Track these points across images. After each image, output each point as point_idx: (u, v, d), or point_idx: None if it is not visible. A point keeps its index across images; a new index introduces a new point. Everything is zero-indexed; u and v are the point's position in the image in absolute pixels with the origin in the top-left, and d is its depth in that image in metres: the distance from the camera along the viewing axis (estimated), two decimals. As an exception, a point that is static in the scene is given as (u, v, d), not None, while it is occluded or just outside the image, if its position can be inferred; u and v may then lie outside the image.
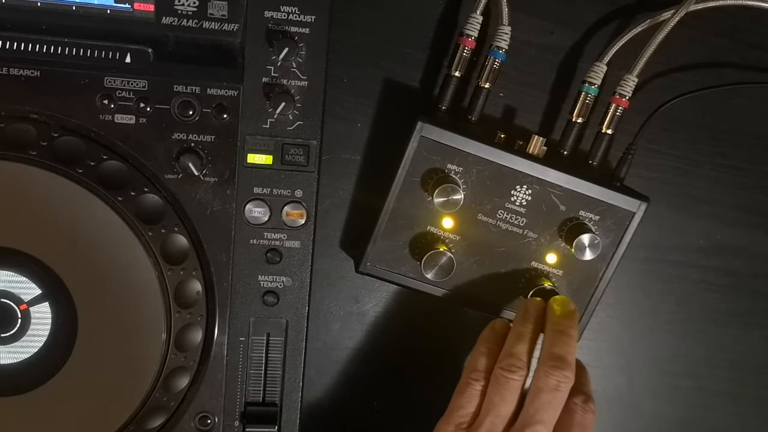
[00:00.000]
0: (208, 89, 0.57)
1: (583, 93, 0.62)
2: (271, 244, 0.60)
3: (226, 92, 0.57)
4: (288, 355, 0.61)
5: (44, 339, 0.56)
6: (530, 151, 0.61)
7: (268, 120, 0.58)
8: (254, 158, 0.58)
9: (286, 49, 0.57)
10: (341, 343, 0.69)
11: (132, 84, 0.56)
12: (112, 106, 0.56)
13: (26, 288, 0.56)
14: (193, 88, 0.57)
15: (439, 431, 0.58)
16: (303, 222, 0.60)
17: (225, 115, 0.57)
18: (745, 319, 0.71)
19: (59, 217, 0.55)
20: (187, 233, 0.58)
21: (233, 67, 0.57)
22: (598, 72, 0.62)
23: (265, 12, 0.57)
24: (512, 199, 0.61)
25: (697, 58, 0.67)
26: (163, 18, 0.56)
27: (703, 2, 0.61)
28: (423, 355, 0.69)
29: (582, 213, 0.61)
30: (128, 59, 0.56)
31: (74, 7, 0.56)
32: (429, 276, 0.61)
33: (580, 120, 0.63)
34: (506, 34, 0.61)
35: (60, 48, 0.55)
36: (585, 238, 0.60)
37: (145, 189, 0.57)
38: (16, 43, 0.55)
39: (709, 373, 0.72)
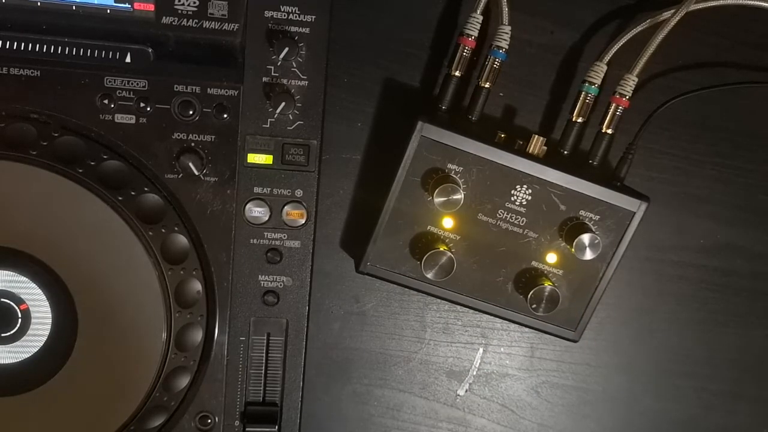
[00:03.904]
0: (208, 89, 0.57)
1: (583, 93, 0.62)
2: (272, 243, 0.60)
3: (226, 92, 0.57)
4: (288, 355, 0.61)
5: (44, 339, 0.56)
6: (530, 151, 0.61)
7: (269, 120, 0.58)
8: (254, 158, 0.58)
9: (286, 49, 0.57)
10: (341, 343, 0.69)
11: (132, 84, 0.56)
12: (113, 105, 0.56)
13: (26, 288, 0.56)
14: (194, 87, 0.57)
15: None
16: (303, 222, 0.60)
17: (225, 115, 0.57)
18: (745, 319, 0.71)
19: (59, 217, 0.55)
20: (188, 233, 0.58)
21: (233, 67, 0.57)
22: (598, 72, 0.62)
23: (266, 12, 0.57)
24: (512, 198, 0.61)
25: (697, 58, 0.67)
26: (163, 18, 0.56)
27: (703, 2, 0.61)
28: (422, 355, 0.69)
29: (582, 213, 0.61)
30: (128, 59, 0.56)
31: (74, 7, 0.56)
32: (429, 276, 0.61)
33: (580, 120, 0.63)
34: (506, 33, 0.61)
35: (60, 48, 0.55)
36: (585, 237, 0.60)
37: (146, 189, 0.57)
38: (16, 43, 0.55)
39: (709, 373, 0.72)
